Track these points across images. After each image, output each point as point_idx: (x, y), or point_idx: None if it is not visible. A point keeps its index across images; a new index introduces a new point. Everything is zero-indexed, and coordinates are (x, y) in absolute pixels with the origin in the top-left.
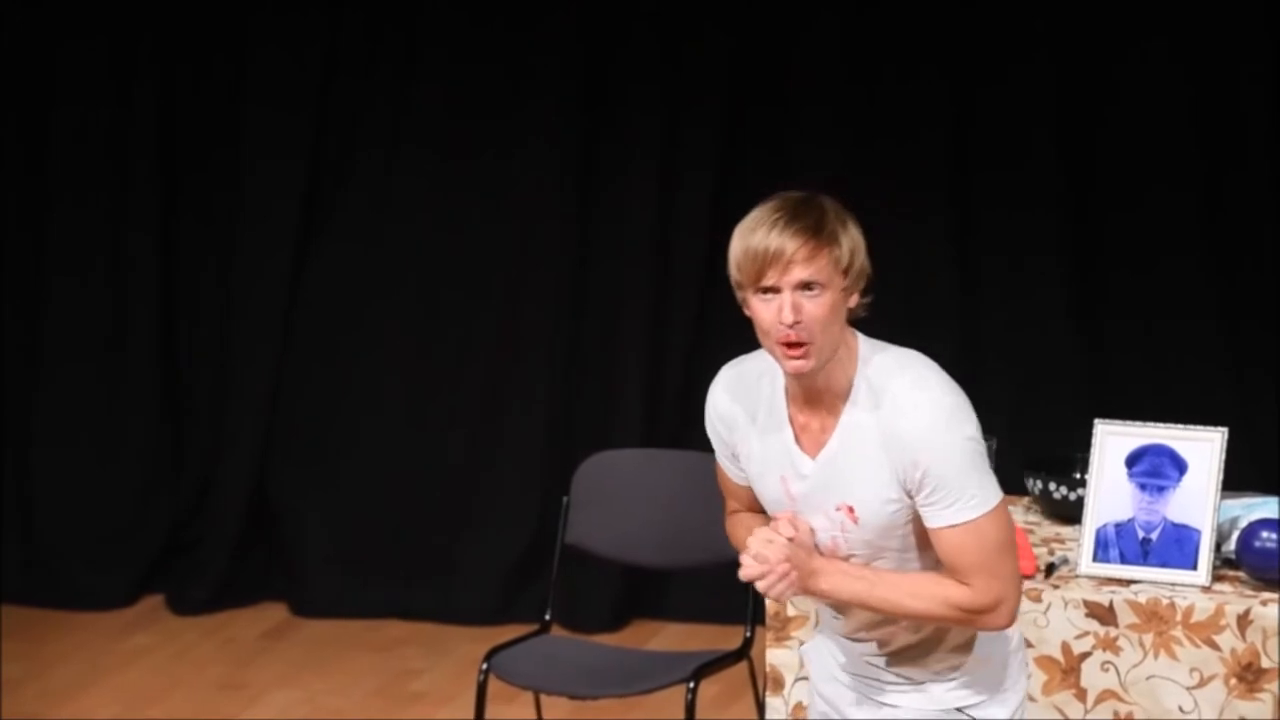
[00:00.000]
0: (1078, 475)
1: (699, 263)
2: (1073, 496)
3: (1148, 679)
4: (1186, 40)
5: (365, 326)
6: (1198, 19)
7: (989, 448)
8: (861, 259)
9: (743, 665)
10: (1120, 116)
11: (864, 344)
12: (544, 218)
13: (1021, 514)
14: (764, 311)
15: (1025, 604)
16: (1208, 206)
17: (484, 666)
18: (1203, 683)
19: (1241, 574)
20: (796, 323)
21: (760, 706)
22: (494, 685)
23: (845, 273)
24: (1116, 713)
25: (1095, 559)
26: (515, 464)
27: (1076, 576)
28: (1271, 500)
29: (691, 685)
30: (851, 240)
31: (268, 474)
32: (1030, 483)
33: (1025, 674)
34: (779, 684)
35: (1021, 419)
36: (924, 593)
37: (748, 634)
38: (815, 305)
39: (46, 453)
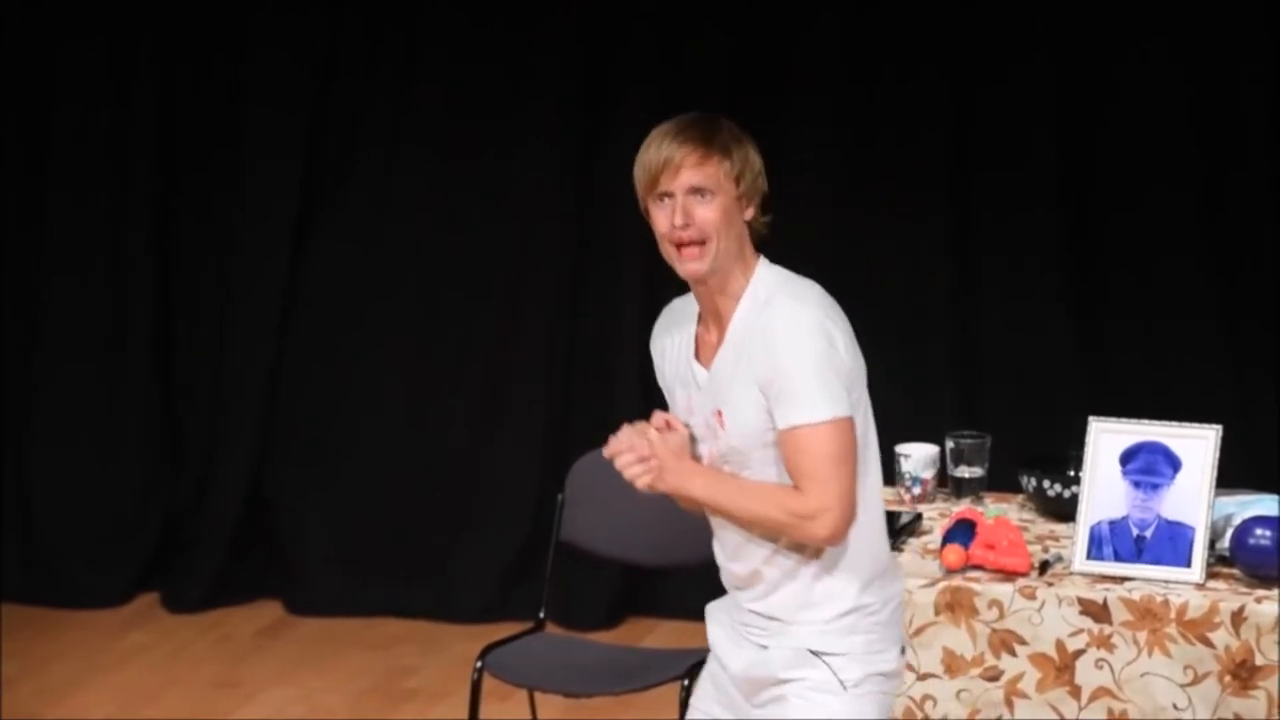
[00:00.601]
0: (1072, 473)
1: None
2: (1067, 494)
3: (1142, 676)
4: (1186, 40)
5: (364, 326)
6: (1198, 19)
7: (982, 445)
8: (755, 174)
9: None
10: (1120, 116)
11: (764, 263)
12: (544, 218)
13: (1016, 511)
14: (660, 217)
15: (1019, 601)
16: (1208, 206)
17: (478, 664)
18: (1197, 680)
19: (1236, 571)
20: (687, 225)
21: None
22: (488, 683)
23: (737, 181)
24: (1110, 710)
25: (1089, 557)
26: (514, 463)
27: (1070, 574)
28: (1266, 498)
29: (686, 683)
30: (745, 156)
31: (265, 473)
32: (1025, 480)
33: (898, 652)
34: None
35: (1021, 419)
36: (763, 494)
37: None
38: (706, 209)
39: (45, 452)
